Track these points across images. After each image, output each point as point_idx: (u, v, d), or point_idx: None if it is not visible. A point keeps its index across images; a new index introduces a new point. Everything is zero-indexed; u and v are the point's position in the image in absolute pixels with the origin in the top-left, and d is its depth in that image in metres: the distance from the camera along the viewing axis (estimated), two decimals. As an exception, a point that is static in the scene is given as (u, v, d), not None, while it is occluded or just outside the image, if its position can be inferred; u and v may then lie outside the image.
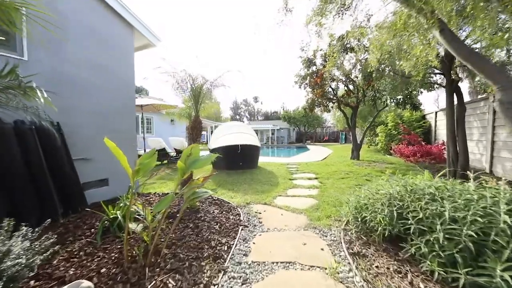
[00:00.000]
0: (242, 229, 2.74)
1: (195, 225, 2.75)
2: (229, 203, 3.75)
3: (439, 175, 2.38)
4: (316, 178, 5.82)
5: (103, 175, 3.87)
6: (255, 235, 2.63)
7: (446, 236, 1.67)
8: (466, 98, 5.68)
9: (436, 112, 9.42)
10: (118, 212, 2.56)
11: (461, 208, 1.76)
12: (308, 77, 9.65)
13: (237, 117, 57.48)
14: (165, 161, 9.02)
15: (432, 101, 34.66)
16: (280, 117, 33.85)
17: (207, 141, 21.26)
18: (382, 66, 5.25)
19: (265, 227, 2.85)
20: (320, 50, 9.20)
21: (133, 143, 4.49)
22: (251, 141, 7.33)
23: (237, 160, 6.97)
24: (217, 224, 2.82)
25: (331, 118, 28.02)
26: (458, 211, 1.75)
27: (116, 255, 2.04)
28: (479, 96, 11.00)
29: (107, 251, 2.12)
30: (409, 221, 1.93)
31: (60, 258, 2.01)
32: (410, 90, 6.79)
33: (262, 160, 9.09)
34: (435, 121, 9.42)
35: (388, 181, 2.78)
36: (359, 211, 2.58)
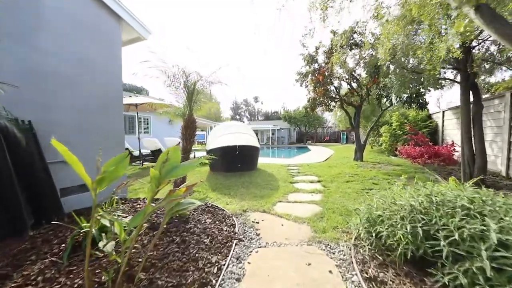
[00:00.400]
0: (236, 244, 2.37)
1: (182, 239, 2.38)
2: (223, 210, 3.39)
3: (470, 182, 2.00)
4: (319, 181, 5.44)
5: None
6: (251, 251, 2.27)
7: (494, 265, 1.30)
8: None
9: (443, 111, 9.01)
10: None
11: (510, 228, 1.39)
12: (310, 75, 9.26)
13: (237, 117, 57.06)
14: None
15: (434, 101, 34.06)
16: (280, 117, 33.44)
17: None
18: (392, 60, 4.86)
19: (263, 241, 2.48)
20: (323, 46, 8.81)
21: (121, 145, 4.12)
22: (250, 142, 6.96)
23: (235, 162, 6.60)
24: (207, 238, 2.45)
25: (332, 118, 27.63)
26: (506, 233, 1.38)
27: (81, 282, 1.68)
28: (484, 96, 10.59)
29: (71, 276, 1.76)
30: (441, 242, 1.56)
31: (12, 285, 1.65)
32: (418, 87, 6.38)
33: (261, 161, 8.71)
34: (443, 120, 9.02)
35: (405, 188, 2.42)
36: (372, 224, 2.21)
